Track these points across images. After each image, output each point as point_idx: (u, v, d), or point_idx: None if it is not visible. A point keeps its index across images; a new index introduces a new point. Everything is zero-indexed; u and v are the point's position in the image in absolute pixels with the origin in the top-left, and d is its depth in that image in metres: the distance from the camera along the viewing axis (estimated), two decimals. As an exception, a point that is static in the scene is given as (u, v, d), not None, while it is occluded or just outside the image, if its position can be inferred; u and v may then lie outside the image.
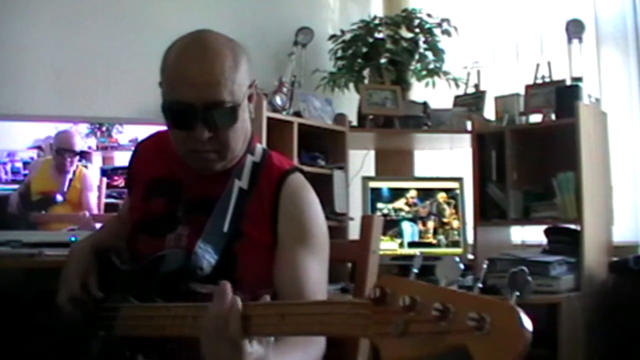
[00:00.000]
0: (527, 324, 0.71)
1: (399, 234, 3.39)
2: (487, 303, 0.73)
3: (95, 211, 2.67)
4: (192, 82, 1.25)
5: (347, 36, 3.72)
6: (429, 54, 3.70)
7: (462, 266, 0.97)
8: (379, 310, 0.81)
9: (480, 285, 0.88)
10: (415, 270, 0.93)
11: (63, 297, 1.35)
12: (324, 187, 3.16)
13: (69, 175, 2.66)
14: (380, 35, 3.75)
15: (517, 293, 0.85)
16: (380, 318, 0.80)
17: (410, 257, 2.86)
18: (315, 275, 1.33)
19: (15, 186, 2.61)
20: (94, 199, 2.68)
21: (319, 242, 1.37)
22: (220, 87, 1.26)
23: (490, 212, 3.31)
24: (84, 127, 2.70)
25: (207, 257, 1.28)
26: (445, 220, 3.45)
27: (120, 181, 2.69)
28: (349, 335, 0.89)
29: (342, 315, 0.88)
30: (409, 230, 3.41)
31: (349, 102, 3.66)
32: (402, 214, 3.43)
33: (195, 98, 1.25)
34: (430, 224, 3.43)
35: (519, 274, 0.91)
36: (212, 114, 1.26)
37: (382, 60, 3.68)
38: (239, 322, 0.98)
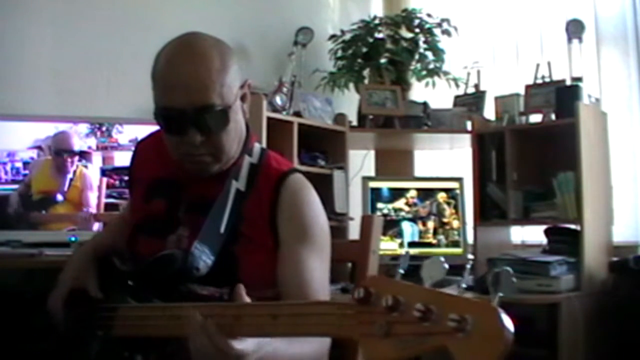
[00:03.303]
0: (509, 324, 0.71)
1: (399, 234, 3.39)
2: (469, 304, 0.73)
3: (94, 210, 2.67)
4: (181, 87, 1.25)
5: (347, 36, 3.72)
6: (429, 54, 3.70)
7: (446, 266, 0.97)
8: (363, 311, 0.81)
9: (464, 285, 0.89)
10: (401, 271, 0.94)
11: (52, 301, 1.36)
12: (324, 187, 3.16)
13: (69, 175, 2.66)
14: (380, 35, 3.75)
15: (500, 294, 0.85)
16: (364, 318, 0.81)
17: (411, 257, 2.87)
18: (318, 274, 1.33)
19: (15, 186, 2.61)
20: (94, 199, 2.68)
21: (321, 240, 1.37)
22: (209, 91, 1.26)
23: (490, 212, 3.31)
24: (84, 127, 2.70)
25: (203, 257, 1.28)
26: (445, 220, 3.45)
27: (120, 181, 2.69)
28: (337, 336, 0.90)
29: (331, 316, 0.88)
30: (409, 230, 3.41)
31: (349, 102, 3.66)
32: (402, 214, 3.43)
33: (184, 103, 1.25)
34: (430, 224, 3.43)
35: (502, 273, 0.91)
36: (203, 118, 1.26)
37: (382, 60, 3.68)
38: (223, 340, 0.99)
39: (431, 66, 3.69)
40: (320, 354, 1.26)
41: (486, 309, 0.72)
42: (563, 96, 3.13)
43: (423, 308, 0.74)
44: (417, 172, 3.84)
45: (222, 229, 1.32)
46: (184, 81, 1.25)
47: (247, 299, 1.05)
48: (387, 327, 0.77)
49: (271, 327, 0.96)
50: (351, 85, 3.65)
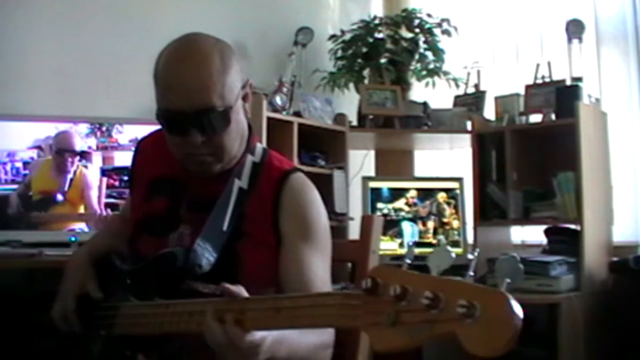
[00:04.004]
0: (518, 310, 0.70)
1: (399, 234, 3.39)
2: (477, 290, 0.73)
3: (98, 210, 2.67)
4: (182, 89, 1.25)
5: (347, 36, 3.72)
6: (429, 54, 3.70)
7: (453, 255, 0.97)
8: (371, 301, 0.81)
9: (471, 273, 0.88)
10: (408, 261, 0.93)
11: (57, 315, 1.35)
12: (324, 187, 3.14)
13: (70, 175, 2.66)
14: (380, 35, 3.75)
15: (508, 280, 0.85)
16: (371, 308, 0.81)
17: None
18: (321, 272, 1.34)
19: (15, 186, 2.61)
20: (95, 199, 2.68)
21: (323, 239, 1.38)
22: (210, 92, 1.25)
23: (490, 212, 3.31)
24: (84, 127, 2.70)
25: (206, 255, 1.28)
26: (445, 220, 3.45)
27: (120, 181, 2.69)
28: (341, 326, 0.90)
29: (335, 307, 0.88)
30: (409, 230, 3.41)
31: (349, 102, 3.66)
32: (402, 214, 3.43)
33: (186, 105, 1.25)
34: (430, 224, 3.44)
35: (508, 260, 0.90)
36: (204, 119, 1.26)
37: (382, 60, 3.68)
38: (238, 328, 0.99)
39: (431, 66, 3.69)
40: (326, 344, 1.26)
41: (495, 295, 0.71)
42: (563, 96, 3.13)
43: (431, 295, 0.74)
44: (417, 172, 3.84)
45: (225, 227, 1.32)
46: (184, 83, 1.25)
47: (242, 290, 1.05)
48: (395, 316, 0.77)
49: (275, 320, 0.97)
50: (351, 85, 3.65)
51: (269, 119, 3.01)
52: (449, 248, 0.94)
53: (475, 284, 0.74)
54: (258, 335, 1.02)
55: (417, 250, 3.28)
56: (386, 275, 0.80)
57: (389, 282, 0.79)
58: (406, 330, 0.76)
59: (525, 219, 3.23)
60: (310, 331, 1.18)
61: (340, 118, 3.48)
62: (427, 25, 3.70)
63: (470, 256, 3.30)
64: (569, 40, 3.29)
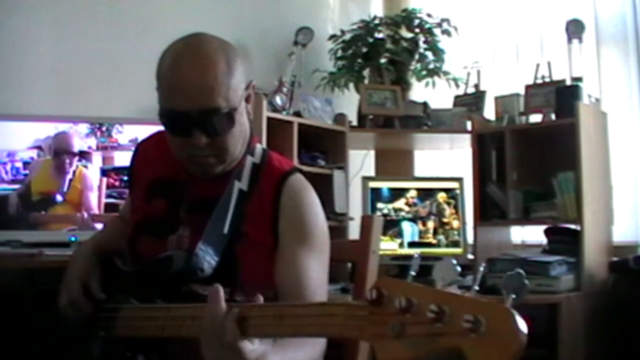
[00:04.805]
0: (523, 326, 0.71)
1: (399, 234, 3.39)
2: (483, 305, 0.73)
3: (95, 211, 2.67)
4: (187, 90, 1.25)
5: (347, 36, 3.72)
6: (429, 54, 3.70)
7: (459, 268, 0.97)
8: (376, 312, 0.81)
9: (476, 287, 0.88)
10: (413, 273, 0.93)
11: (64, 301, 1.36)
12: (324, 187, 3.16)
13: (69, 176, 2.66)
14: (380, 35, 3.75)
15: (514, 295, 0.84)
16: (376, 319, 0.81)
17: (410, 257, 2.86)
18: (316, 275, 1.33)
19: (15, 186, 2.61)
20: (94, 199, 2.68)
21: (320, 242, 1.37)
22: (215, 94, 1.25)
23: (490, 212, 3.31)
24: (84, 127, 2.70)
25: (207, 258, 1.28)
26: (445, 220, 3.45)
27: (120, 181, 2.69)
28: (346, 336, 0.90)
29: (339, 317, 0.88)
30: (409, 230, 3.41)
31: (349, 102, 3.66)
32: (402, 214, 3.43)
33: (190, 106, 1.25)
34: (430, 224, 3.43)
35: (515, 276, 0.90)
36: (208, 121, 1.26)
37: (382, 60, 3.68)
38: (236, 326, 0.98)
39: (431, 66, 3.70)
40: (314, 358, 1.25)
41: (500, 311, 0.72)
42: (563, 96, 3.13)
43: (436, 309, 0.74)
44: (417, 172, 3.84)
45: (226, 230, 1.32)
46: (189, 85, 1.25)
47: (222, 297, 1.04)
48: (400, 328, 0.77)
49: (277, 328, 0.96)
50: (351, 85, 3.65)
51: (269, 119, 3.01)
52: (454, 260, 0.94)
53: (480, 299, 0.74)
54: (257, 350, 1.00)
55: (417, 251, 3.28)
56: (391, 286, 0.81)
57: (394, 293, 0.79)
58: (411, 342, 0.76)
59: (525, 219, 3.23)
60: (300, 347, 1.17)
61: (340, 118, 3.48)
62: (427, 25, 3.70)
63: (470, 256, 3.32)
64: (569, 40, 3.29)
